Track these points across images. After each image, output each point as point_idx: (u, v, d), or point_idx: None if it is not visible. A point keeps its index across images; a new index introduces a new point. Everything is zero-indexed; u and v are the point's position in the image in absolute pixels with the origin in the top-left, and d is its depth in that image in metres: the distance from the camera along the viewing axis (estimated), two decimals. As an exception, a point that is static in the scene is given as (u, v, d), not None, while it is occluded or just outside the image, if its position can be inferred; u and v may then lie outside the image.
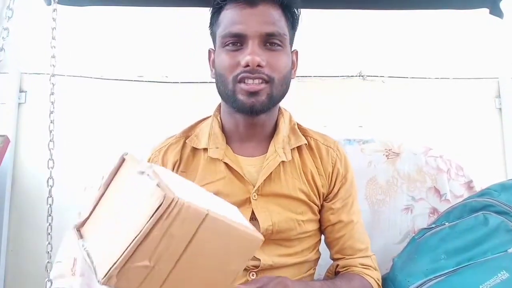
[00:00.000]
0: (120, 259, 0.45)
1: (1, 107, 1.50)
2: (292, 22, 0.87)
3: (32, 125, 1.55)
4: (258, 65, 0.79)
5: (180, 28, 1.52)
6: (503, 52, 1.41)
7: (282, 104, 0.94)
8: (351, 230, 0.91)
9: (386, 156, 1.27)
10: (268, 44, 0.81)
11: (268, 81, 0.81)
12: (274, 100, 0.84)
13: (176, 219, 0.46)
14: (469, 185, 1.25)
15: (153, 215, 0.45)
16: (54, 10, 1.17)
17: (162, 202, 0.45)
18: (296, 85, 1.61)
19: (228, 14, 0.83)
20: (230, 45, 0.82)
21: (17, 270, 1.53)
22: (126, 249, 0.45)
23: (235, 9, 0.82)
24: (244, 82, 0.80)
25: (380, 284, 0.91)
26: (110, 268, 0.45)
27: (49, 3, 1.22)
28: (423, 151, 1.28)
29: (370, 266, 0.91)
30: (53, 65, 1.17)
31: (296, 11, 0.88)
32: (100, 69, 1.59)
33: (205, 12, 0.91)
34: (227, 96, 0.84)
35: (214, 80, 0.88)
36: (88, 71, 1.59)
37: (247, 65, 0.79)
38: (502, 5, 1.30)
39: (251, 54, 0.78)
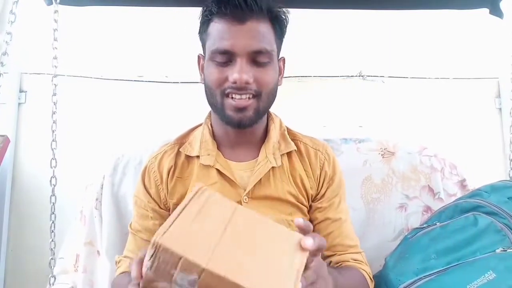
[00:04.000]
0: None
1: (1, 107, 1.50)
2: (281, 33, 0.89)
3: (32, 125, 1.55)
4: (246, 82, 0.81)
5: (180, 28, 1.52)
6: (503, 52, 1.41)
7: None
8: (340, 227, 0.94)
9: (382, 155, 1.28)
10: (256, 61, 0.83)
11: (256, 95, 0.84)
12: (260, 114, 0.87)
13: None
14: (462, 183, 1.26)
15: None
16: (56, 11, 1.17)
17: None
18: (296, 85, 1.63)
19: (217, 28, 0.84)
20: (219, 59, 0.83)
21: (17, 270, 1.53)
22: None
23: (224, 24, 0.82)
24: (232, 97, 0.83)
25: (372, 278, 0.94)
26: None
27: (49, 3, 1.21)
28: (417, 150, 1.28)
29: (362, 261, 0.94)
30: (55, 66, 1.17)
31: (285, 20, 0.89)
32: (100, 69, 1.59)
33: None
34: (216, 108, 0.87)
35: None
36: (88, 71, 1.59)
37: (235, 82, 0.81)
38: (502, 5, 1.30)
39: (239, 72, 0.80)
